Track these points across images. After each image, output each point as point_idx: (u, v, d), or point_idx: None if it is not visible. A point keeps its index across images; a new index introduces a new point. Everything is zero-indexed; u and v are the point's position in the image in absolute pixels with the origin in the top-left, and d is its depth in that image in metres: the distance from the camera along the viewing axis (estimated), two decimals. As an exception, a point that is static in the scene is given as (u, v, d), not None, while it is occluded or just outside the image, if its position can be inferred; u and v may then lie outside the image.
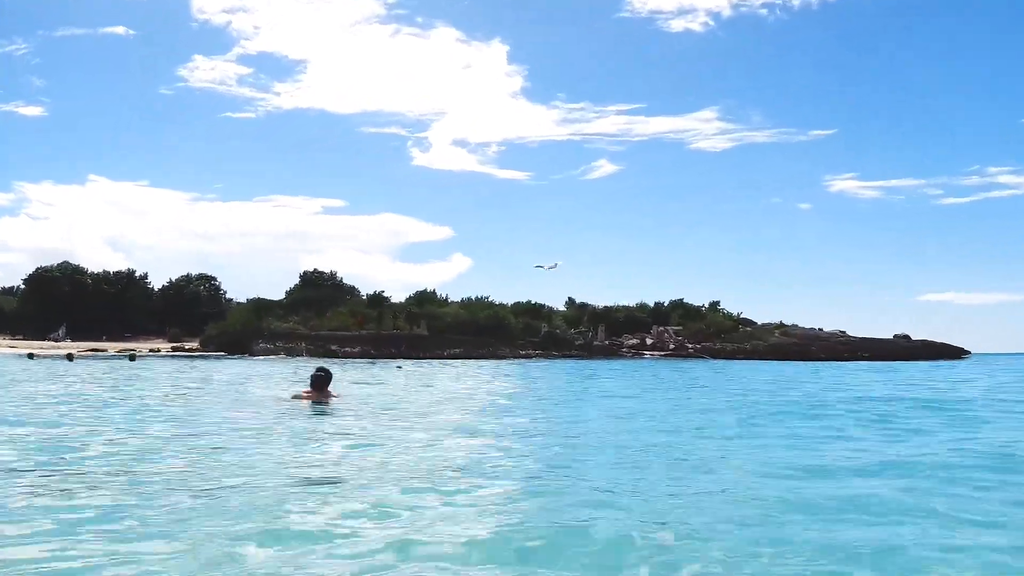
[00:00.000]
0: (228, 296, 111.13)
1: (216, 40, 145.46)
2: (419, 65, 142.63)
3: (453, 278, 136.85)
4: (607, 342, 72.62)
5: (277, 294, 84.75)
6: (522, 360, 60.38)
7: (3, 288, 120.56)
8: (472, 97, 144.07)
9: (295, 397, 17.07)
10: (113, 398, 17.91)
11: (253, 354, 60.52)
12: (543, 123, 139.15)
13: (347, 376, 28.27)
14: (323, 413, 14.63)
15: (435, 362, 52.01)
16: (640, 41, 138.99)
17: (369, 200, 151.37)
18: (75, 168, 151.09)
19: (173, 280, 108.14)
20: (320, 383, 16.71)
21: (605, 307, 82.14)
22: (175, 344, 76.36)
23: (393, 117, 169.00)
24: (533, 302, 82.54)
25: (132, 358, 37.26)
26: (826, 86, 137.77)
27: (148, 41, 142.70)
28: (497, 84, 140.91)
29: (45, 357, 54.01)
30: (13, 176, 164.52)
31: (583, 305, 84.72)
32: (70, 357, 38.02)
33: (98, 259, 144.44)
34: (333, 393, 16.97)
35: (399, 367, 38.63)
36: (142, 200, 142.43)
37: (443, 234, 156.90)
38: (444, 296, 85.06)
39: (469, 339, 66.86)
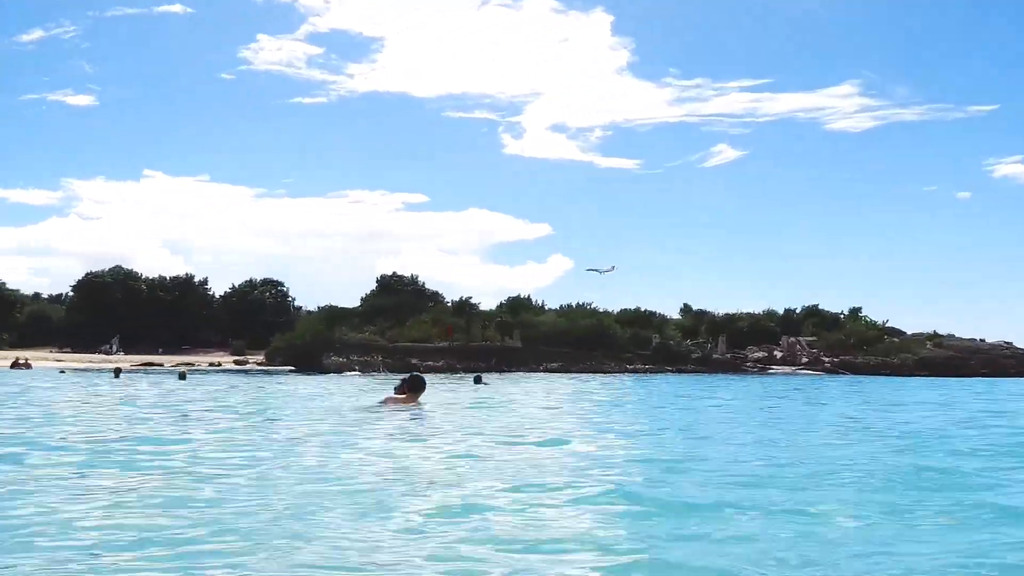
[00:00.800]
0: (297, 304, 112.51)
1: (282, 17, 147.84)
2: (510, 40, 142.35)
3: (550, 282, 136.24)
4: (728, 355, 70.78)
5: (351, 301, 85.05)
6: (630, 375, 59.00)
7: (50, 296, 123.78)
8: (571, 75, 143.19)
9: (387, 401, 17.08)
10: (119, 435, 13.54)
11: (324, 369, 60.37)
12: (653, 103, 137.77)
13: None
14: (420, 418, 15.00)
15: (532, 376, 51.21)
16: (766, 6, 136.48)
17: (455, 195, 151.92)
18: (129, 163, 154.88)
19: (236, 286, 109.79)
20: (416, 385, 16.94)
21: (726, 315, 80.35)
22: (238, 358, 76.95)
23: (481, 100, 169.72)
24: (642, 309, 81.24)
25: (183, 376, 36.81)
26: (985, 54, 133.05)
27: (207, 20, 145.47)
28: (600, 59, 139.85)
29: (88, 371, 54.53)
30: (61, 172, 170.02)
31: (700, 312, 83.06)
32: (117, 373, 37.80)
33: (154, 263, 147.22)
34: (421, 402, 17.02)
35: (480, 381, 37.51)
36: (202, 197, 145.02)
37: (539, 232, 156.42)
38: (540, 303, 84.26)
39: (568, 351, 65.87)
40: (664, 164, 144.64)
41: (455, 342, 65.73)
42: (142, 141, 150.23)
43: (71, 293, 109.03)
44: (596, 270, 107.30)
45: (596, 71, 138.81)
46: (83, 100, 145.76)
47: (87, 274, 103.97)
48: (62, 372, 49.04)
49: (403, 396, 16.87)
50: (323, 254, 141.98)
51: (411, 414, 15.71)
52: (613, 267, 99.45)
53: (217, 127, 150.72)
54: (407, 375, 17.74)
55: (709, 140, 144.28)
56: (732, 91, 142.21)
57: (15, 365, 56.87)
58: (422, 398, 17.49)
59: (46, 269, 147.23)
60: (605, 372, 61.45)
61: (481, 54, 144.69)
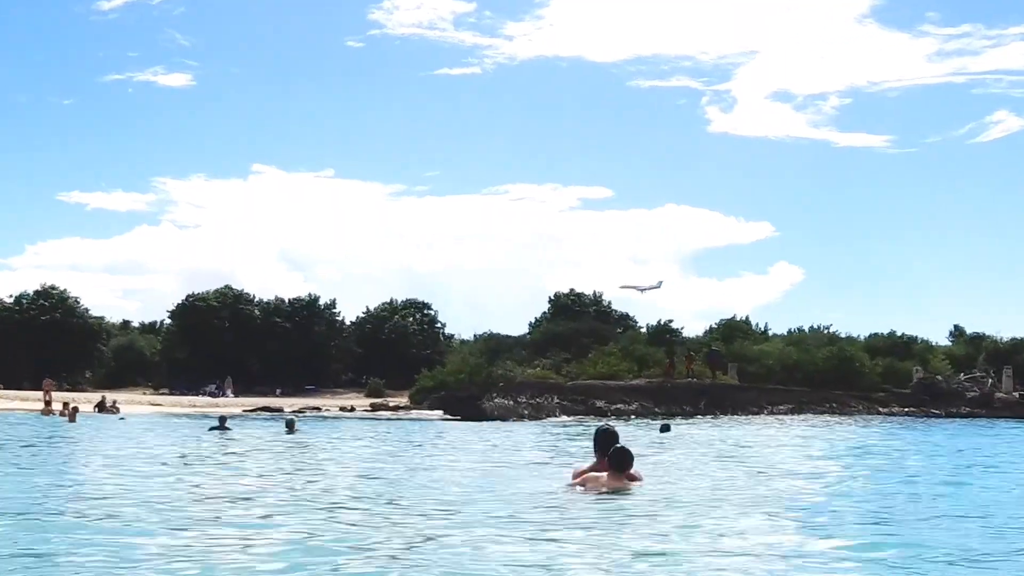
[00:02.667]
0: (448, 332, 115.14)
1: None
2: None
3: (776, 298, 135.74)
4: (1018, 393, 69.54)
5: (517, 327, 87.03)
6: (884, 418, 58.77)
7: (142, 324, 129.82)
8: (796, 28, 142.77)
9: (584, 480, 15.10)
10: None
11: (484, 414, 61.95)
12: (907, 60, 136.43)
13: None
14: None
15: (754, 421, 51.45)
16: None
17: (647, 188, 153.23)
18: (234, 157, 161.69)
19: (371, 310, 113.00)
20: (620, 460, 14.80)
21: (1012, 340, 78.89)
22: (375, 400, 79.44)
23: (679, 64, 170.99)
24: (899, 334, 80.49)
25: (290, 426, 38.33)
26: None
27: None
28: (835, 5, 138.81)
29: (187, 416, 57.73)
30: (152, 170, 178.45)
31: (976, 337, 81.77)
32: (223, 422, 39.83)
33: (267, 281, 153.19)
34: (636, 475, 15.27)
35: (668, 430, 38.19)
36: (325, 198, 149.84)
37: (758, 233, 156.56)
38: (761, 326, 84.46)
39: (801, 390, 65.79)
40: (922, 140, 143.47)
41: (650, 379, 66.39)
42: (250, 129, 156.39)
43: (168, 320, 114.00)
44: (636, 287, 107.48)
45: (830, 20, 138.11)
46: (178, 80, 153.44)
47: (187, 297, 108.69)
48: (121, 418, 51.85)
49: (603, 474, 14.81)
50: (479, 268, 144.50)
51: (632, 507, 13.60)
52: (660, 283, 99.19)
53: (343, 110, 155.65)
54: (600, 431, 15.72)
55: (982, 106, 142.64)
56: (1011, 39, 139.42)
57: (101, 408, 60.10)
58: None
59: (136, 291, 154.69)
60: (847, 414, 61.21)
61: (677, 5, 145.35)
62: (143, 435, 37.55)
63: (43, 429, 38.72)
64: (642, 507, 13.47)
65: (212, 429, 37.72)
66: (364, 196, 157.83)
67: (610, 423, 17.81)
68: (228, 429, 37.95)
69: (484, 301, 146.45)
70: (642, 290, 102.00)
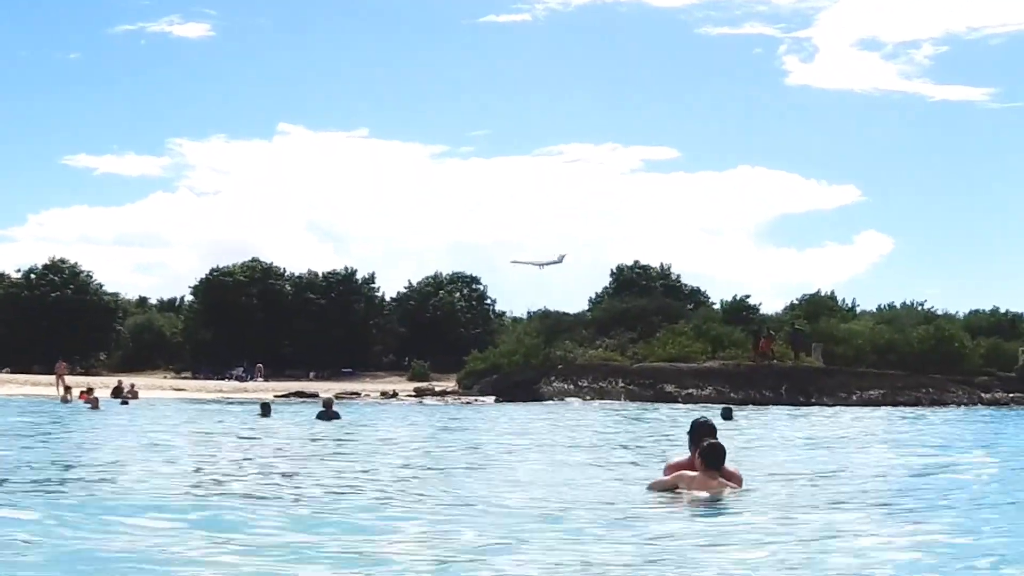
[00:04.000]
0: (498, 308, 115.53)
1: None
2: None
3: (862, 271, 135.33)
4: None
5: (576, 304, 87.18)
6: (989, 407, 58.71)
7: (161, 301, 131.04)
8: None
9: (672, 478, 14.95)
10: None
11: (541, 399, 62.50)
12: (1011, 3, 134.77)
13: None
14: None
15: (841, 412, 51.39)
16: None
17: (718, 147, 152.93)
18: (258, 116, 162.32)
19: (414, 284, 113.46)
20: (713, 456, 14.64)
21: None
22: (419, 384, 79.91)
23: (753, 8, 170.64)
24: (1002, 311, 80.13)
25: (326, 408, 39.07)
26: None
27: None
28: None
29: (205, 403, 58.53)
30: (168, 131, 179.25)
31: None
32: (266, 409, 40.84)
33: (296, 253, 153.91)
34: (735, 473, 15.09)
35: (730, 416, 38.36)
36: (360, 160, 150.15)
37: (843, 198, 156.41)
38: (848, 303, 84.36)
39: (894, 374, 65.71)
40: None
41: (724, 361, 66.48)
42: (275, 85, 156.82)
43: (189, 297, 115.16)
44: (532, 263, 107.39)
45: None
46: (195, 30, 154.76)
47: (211, 271, 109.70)
48: (124, 403, 52.42)
49: (695, 474, 14.61)
50: (531, 238, 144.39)
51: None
52: (561, 257, 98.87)
53: (378, 62, 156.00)
54: (696, 424, 15.53)
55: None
56: None
57: (117, 393, 60.48)
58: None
59: (151, 264, 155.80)
60: (946, 403, 61.14)
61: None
62: (200, 421, 38.54)
63: (81, 418, 39.30)
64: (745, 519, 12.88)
65: (319, 417, 37.98)
66: (403, 158, 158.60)
67: (682, 408, 17.67)
68: (269, 416, 38.92)
69: (538, 275, 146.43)
70: (540, 266, 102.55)
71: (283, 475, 18.45)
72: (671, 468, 15.27)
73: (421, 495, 15.57)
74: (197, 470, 19.45)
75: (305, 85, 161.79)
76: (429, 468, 20.29)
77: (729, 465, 14.93)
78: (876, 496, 15.60)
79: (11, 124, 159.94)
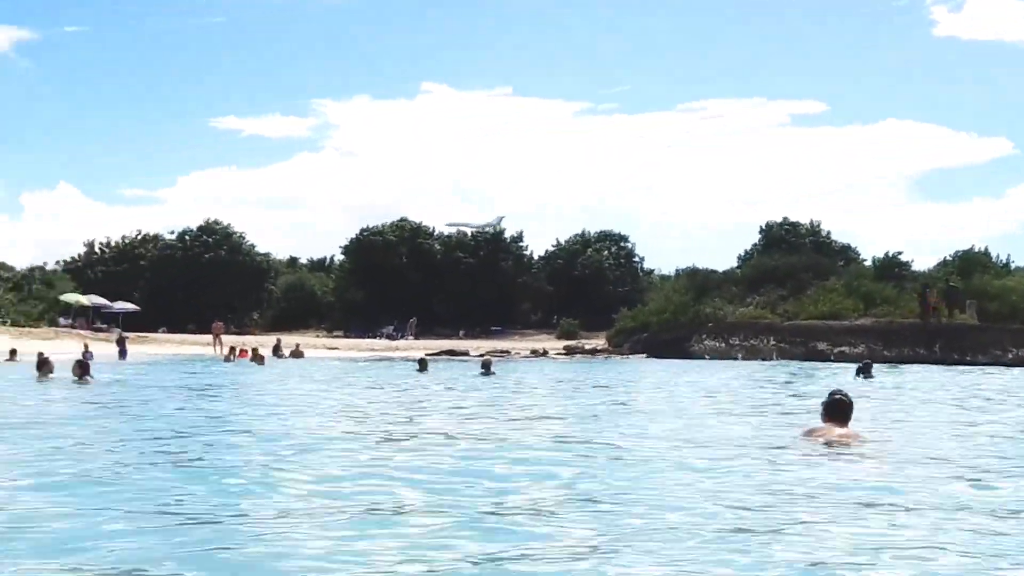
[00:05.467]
0: (646, 266, 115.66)
1: None
2: None
3: (1015, 227, 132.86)
4: None
5: (723, 261, 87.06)
6: None
7: (311, 261, 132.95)
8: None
9: (820, 436, 14.90)
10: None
11: (691, 357, 62.80)
12: None
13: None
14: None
15: (1000, 371, 50.92)
16: None
17: (865, 100, 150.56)
18: (401, 75, 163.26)
19: (561, 243, 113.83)
20: (836, 410, 14.87)
21: None
22: (568, 342, 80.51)
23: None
24: None
25: (486, 368, 40.10)
26: None
27: None
28: None
29: (363, 359, 59.65)
30: (312, 92, 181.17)
31: None
32: (423, 365, 41.76)
33: (443, 213, 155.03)
34: (856, 433, 15.08)
35: (868, 372, 38.10)
36: (503, 118, 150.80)
37: (994, 151, 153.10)
38: (1003, 258, 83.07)
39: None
40: None
41: (876, 318, 66.07)
42: (418, 44, 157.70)
43: (341, 257, 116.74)
44: (467, 226, 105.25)
45: None
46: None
47: (362, 231, 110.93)
48: (228, 360, 53.10)
49: (838, 430, 14.66)
50: (676, 195, 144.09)
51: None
52: (500, 219, 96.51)
53: (520, 18, 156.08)
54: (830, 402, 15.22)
55: None
56: None
57: (276, 352, 61.78)
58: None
59: (297, 224, 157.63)
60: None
61: None
62: (370, 375, 39.53)
63: (257, 374, 40.55)
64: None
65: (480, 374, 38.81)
66: (545, 116, 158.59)
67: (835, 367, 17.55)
68: (425, 371, 39.80)
69: (684, 232, 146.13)
70: (476, 229, 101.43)
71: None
72: (817, 432, 15.17)
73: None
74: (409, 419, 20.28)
75: (448, 44, 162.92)
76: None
77: (853, 425, 15.08)
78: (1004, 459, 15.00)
79: (160, 88, 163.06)
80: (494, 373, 38.13)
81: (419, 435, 17.19)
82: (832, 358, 59.59)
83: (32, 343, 54.23)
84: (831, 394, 15.39)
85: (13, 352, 45.12)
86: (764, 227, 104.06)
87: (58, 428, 17.56)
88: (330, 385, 34.04)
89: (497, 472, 12.47)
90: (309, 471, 12.24)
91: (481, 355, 58.69)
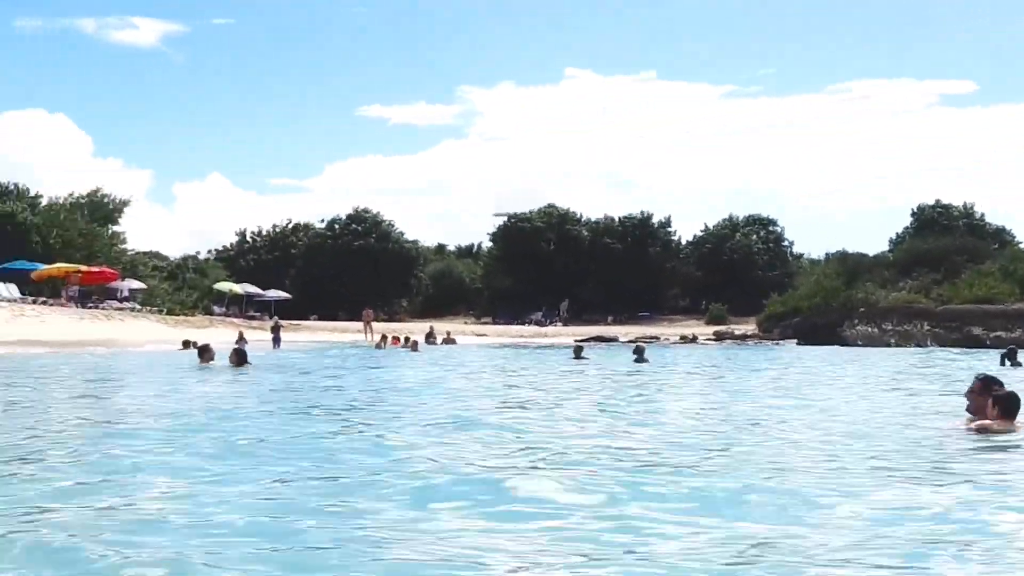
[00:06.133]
0: (795, 251, 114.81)
1: None
2: None
3: None
4: None
5: (874, 245, 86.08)
6: None
7: (459, 248, 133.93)
8: None
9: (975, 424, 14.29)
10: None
11: (844, 343, 62.22)
12: None
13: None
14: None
15: None
16: None
17: (1015, 79, 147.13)
18: (545, 61, 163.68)
19: (709, 227, 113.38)
20: (1009, 405, 13.96)
21: None
22: (718, 328, 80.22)
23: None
24: None
25: (638, 353, 39.94)
26: None
27: None
28: None
29: (513, 346, 59.84)
30: (457, 79, 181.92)
31: None
32: (578, 352, 41.92)
33: (589, 198, 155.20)
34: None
35: (1014, 359, 37.00)
36: (648, 102, 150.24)
37: None
38: None
39: None
40: None
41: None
42: (561, 29, 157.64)
43: (489, 243, 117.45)
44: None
45: None
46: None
47: (509, 217, 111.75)
48: (379, 347, 52.66)
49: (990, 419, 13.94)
50: (825, 176, 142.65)
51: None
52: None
53: (666, 2, 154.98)
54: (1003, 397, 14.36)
55: None
56: None
57: (429, 339, 62.49)
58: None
59: (444, 211, 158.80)
60: None
61: None
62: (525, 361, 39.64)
63: (415, 358, 41.03)
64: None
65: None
66: (690, 100, 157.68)
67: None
68: (586, 359, 39.95)
69: (832, 215, 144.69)
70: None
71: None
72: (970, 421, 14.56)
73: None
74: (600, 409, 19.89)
75: (592, 29, 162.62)
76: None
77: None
78: None
79: (307, 78, 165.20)
80: (647, 360, 37.94)
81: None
82: (988, 343, 58.59)
83: (188, 332, 55.29)
84: (1006, 391, 14.26)
85: (187, 343, 46.10)
86: (916, 210, 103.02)
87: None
88: (491, 370, 34.25)
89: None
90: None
91: (631, 341, 58.63)
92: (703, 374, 33.70)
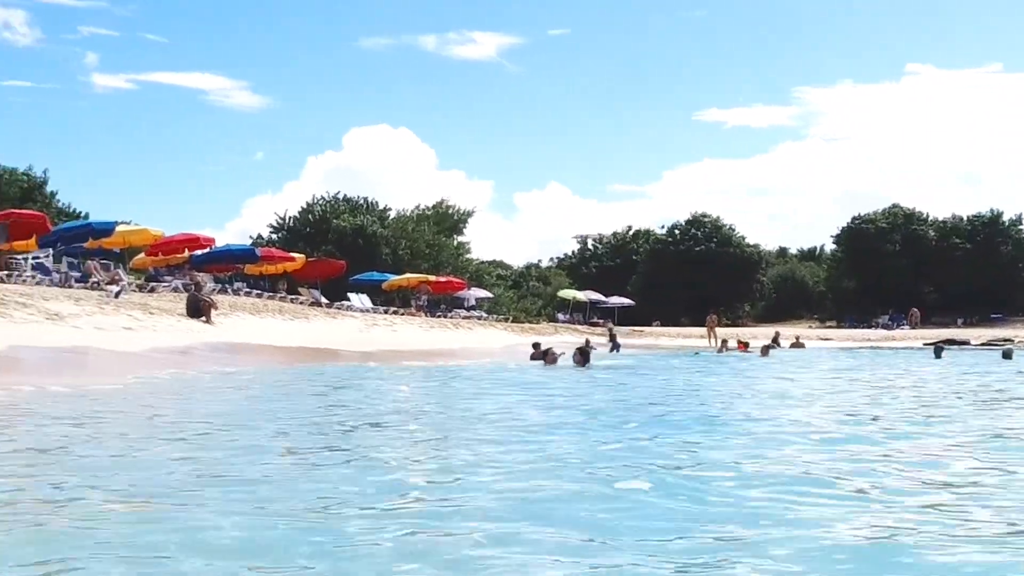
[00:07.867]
0: None
1: None
2: None
3: None
4: None
5: None
6: None
7: (800, 251, 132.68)
8: None
9: None
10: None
11: None
12: None
13: None
14: None
15: None
16: None
17: None
18: (885, 57, 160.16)
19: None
20: None
21: None
22: (1077, 331, 77.63)
23: None
24: None
25: (1007, 355, 39.28)
26: None
27: None
28: None
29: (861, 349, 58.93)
30: (793, 80, 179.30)
31: None
32: (938, 352, 41.58)
33: (936, 197, 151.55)
34: None
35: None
36: (995, 95, 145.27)
37: None
38: None
39: None
40: None
41: None
42: (901, 24, 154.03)
43: (831, 246, 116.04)
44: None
45: None
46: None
47: (852, 219, 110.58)
48: (720, 352, 52.61)
49: None
50: None
51: None
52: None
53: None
54: None
55: None
56: None
57: (776, 343, 62.00)
58: None
59: (783, 214, 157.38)
60: None
61: None
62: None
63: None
64: None
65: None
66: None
67: None
68: (941, 358, 39.65)
69: None
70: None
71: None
72: None
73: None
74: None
75: (932, 22, 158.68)
76: None
77: None
78: None
79: (643, 85, 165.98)
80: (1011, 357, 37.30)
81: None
82: None
83: (534, 339, 56.33)
84: None
85: (536, 346, 47.00)
86: None
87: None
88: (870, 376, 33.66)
89: None
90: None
91: (983, 344, 57.31)
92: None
